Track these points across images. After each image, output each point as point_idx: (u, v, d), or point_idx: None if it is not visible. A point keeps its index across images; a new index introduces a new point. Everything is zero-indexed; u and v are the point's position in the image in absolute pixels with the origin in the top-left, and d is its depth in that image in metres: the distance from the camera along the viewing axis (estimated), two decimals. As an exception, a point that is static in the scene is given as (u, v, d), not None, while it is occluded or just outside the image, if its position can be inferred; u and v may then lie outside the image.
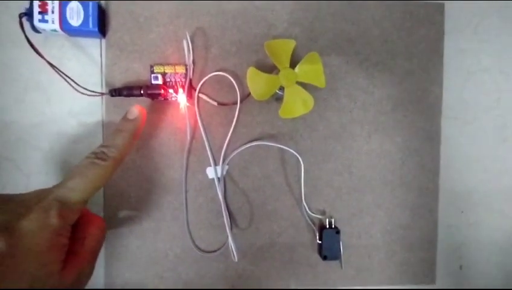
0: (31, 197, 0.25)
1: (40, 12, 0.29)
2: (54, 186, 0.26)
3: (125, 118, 0.29)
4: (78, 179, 0.26)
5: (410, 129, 0.36)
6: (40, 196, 0.25)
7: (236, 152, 0.34)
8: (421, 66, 0.36)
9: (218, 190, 0.33)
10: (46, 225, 0.23)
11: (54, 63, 0.30)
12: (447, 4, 0.36)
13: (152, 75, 0.32)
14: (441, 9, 0.36)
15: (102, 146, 0.28)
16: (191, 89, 0.33)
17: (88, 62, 0.32)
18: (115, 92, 0.31)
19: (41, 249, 0.23)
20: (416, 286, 0.37)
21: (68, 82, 0.30)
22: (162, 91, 0.31)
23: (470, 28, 0.37)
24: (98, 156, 0.27)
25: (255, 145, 0.34)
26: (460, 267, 0.38)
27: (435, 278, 0.37)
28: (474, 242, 0.38)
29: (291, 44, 0.32)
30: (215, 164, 0.34)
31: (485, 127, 0.38)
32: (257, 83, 0.31)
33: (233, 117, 0.33)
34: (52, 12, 0.29)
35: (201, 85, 0.33)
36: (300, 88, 0.31)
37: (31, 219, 0.23)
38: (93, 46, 0.32)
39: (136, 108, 0.30)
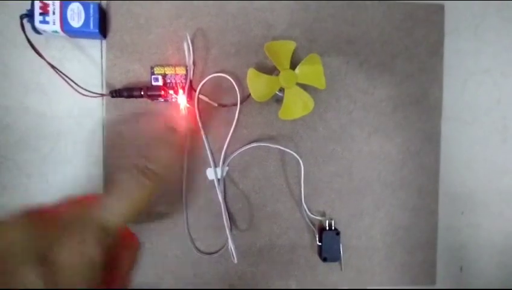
0: (72, 218, 0.22)
1: (41, 14, 0.29)
2: (97, 206, 0.23)
3: (169, 129, 0.28)
4: (123, 203, 0.23)
5: (410, 130, 0.36)
6: (81, 217, 0.22)
7: (236, 153, 0.34)
8: (421, 67, 0.36)
9: (218, 191, 0.33)
10: (85, 256, 0.21)
11: (54, 64, 0.30)
12: (447, 5, 0.36)
13: (152, 76, 0.32)
14: (441, 10, 0.36)
15: (146, 160, 0.25)
16: (191, 90, 0.33)
17: (88, 63, 0.33)
18: (115, 93, 0.31)
19: (77, 283, 0.21)
20: (417, 286, 0.37)
21: (69, 83, 0.30)
22: (162, 92, 0.31)
23: (470, 29, 0.37)
24: (145, 175, 0.24)
25: (255, 146, 0.34)
26: (461, 268, 0.38)
27: (435, 279, 0.37)
28: (474, 243, 0.38)
29: (291, 46, 0.32)
30: (215, 165, 0.34)
31: (485, 128, 0.38)
32: (257, 84, 0.31)
33: (233, 118, 0.33)
34: (53, 13, 0.29)
35: (202, 86, 0.33)
36: (300, 89, 0.31)
37: (72, 253, 0.21)
38: (94, 47, 0.33)
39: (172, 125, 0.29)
